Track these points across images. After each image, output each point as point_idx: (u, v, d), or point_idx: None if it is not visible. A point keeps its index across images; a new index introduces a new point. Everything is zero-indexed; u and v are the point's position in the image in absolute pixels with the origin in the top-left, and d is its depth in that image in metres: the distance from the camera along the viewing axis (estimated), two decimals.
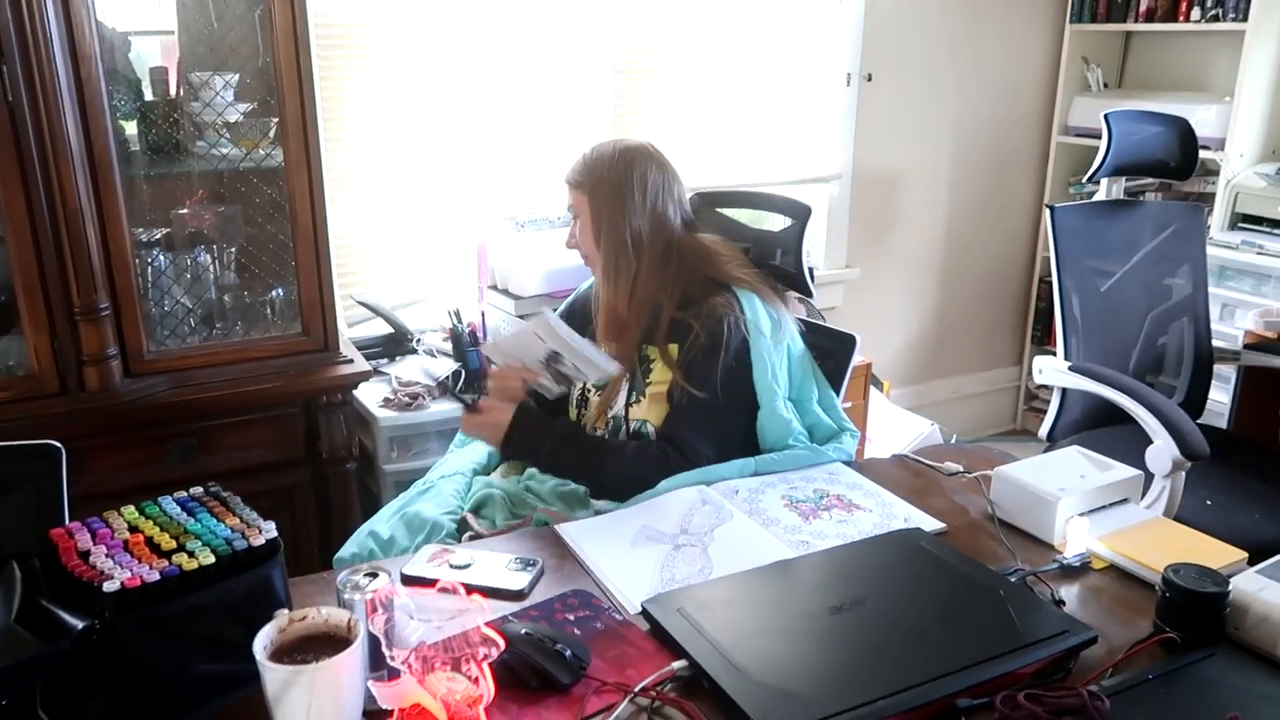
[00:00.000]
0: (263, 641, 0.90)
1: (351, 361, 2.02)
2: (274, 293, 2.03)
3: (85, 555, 0.97)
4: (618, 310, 1.67)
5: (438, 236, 2.65)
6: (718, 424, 1.60)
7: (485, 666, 0.82)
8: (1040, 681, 1.01)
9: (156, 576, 0.93)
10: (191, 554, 0.97)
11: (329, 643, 0.92)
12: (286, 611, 0.95)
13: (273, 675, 0.87)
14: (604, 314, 1.70)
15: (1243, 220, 3.12)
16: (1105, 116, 2.30)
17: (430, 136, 2.57)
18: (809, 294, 1.82)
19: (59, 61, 1.63)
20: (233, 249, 2.03)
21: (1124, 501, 1.39)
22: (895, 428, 2.96)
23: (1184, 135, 2.36)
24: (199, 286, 1.99)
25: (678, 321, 1.62)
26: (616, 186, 1.64)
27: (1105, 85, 3.59)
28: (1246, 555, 1.24)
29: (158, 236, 1.96)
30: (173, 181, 1.97)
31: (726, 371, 1.59)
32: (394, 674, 0.87)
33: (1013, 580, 1.20)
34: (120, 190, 1.76)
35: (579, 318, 1.78)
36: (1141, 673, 1.03)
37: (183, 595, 0.94)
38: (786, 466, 1.58)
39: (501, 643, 0.82)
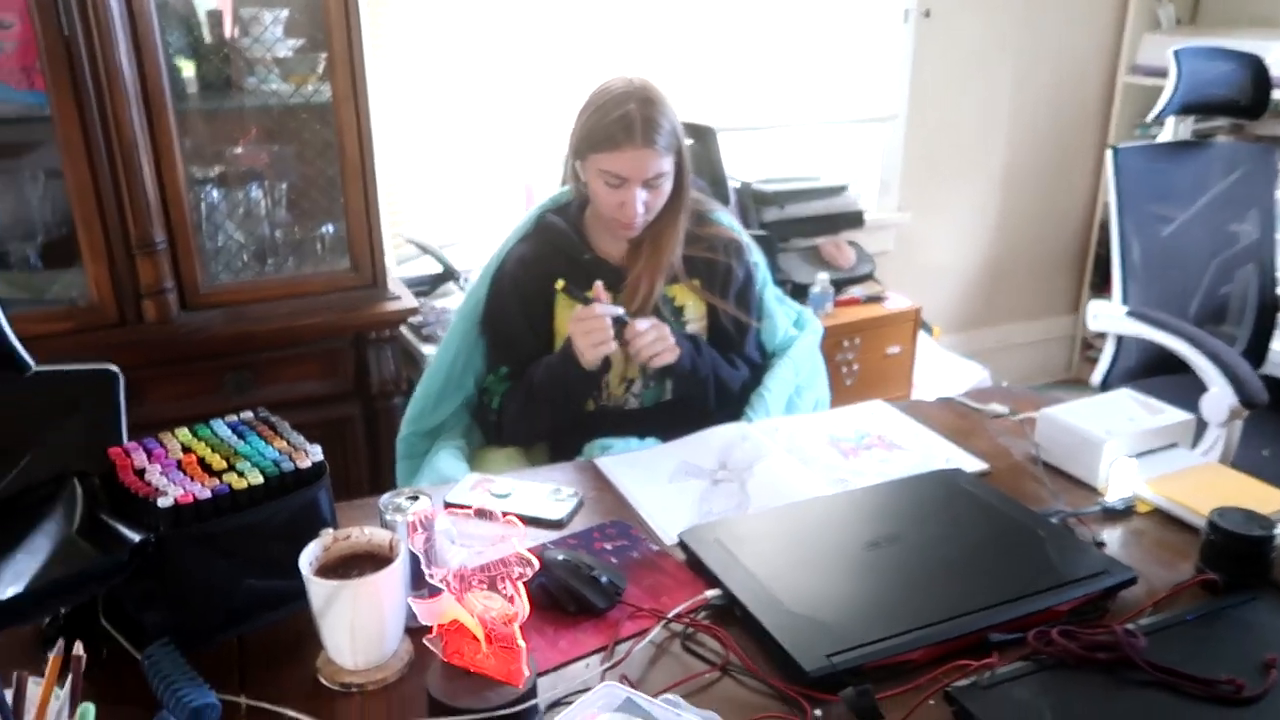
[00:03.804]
0: (308, 557, 0.94)
1: (399, 298, 2.05)
2: (324, 229, 2.06)
3: (141, 473, 1.00)
4: (663, 260, 1.59)
5: (486, 176, 2.65)
6: (757, 337, 1.76)
7: (520, 585, 0.84)
8: (1076, 620, 1.01)
9: (208, 494, 0.96)
10: (241, 474, 1.00)
11: (372, 561, 0.95)
12: (331, 530, 0.98)
13: (317, 589, 0.90)
14: (649, 268, 1.59)
15: None
16: (1174, 53, 2.20)
17: (481, 75, 2.56)
18: (726, 200, 1.96)
19: None
20: (284, 185, 2.05)
21: (1173, 446, 1.36)
22: (945, 373, 2.92)
23: (1257, 72, 2.25)
24: (251, 222, 2.03)
25: (691, 258, 1.64)
26: (682, 139, 1.58)
27: (1177, 21, 3.44)
28: None
29: (213, 174, 1.99)
30: (225, 117, 1.99)
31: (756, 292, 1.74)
32: (434, 591, 0.90)
33: (1053, 521, 1.19)
34: (174, 125, 1.79)
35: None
36: (1180, 613, 1.02)
37: (233, 513, 0.97)
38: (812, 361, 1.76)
39: (536, 563, 0.84)
